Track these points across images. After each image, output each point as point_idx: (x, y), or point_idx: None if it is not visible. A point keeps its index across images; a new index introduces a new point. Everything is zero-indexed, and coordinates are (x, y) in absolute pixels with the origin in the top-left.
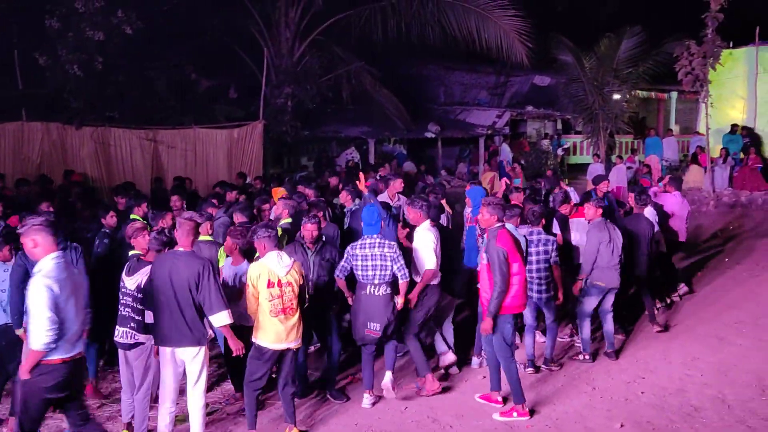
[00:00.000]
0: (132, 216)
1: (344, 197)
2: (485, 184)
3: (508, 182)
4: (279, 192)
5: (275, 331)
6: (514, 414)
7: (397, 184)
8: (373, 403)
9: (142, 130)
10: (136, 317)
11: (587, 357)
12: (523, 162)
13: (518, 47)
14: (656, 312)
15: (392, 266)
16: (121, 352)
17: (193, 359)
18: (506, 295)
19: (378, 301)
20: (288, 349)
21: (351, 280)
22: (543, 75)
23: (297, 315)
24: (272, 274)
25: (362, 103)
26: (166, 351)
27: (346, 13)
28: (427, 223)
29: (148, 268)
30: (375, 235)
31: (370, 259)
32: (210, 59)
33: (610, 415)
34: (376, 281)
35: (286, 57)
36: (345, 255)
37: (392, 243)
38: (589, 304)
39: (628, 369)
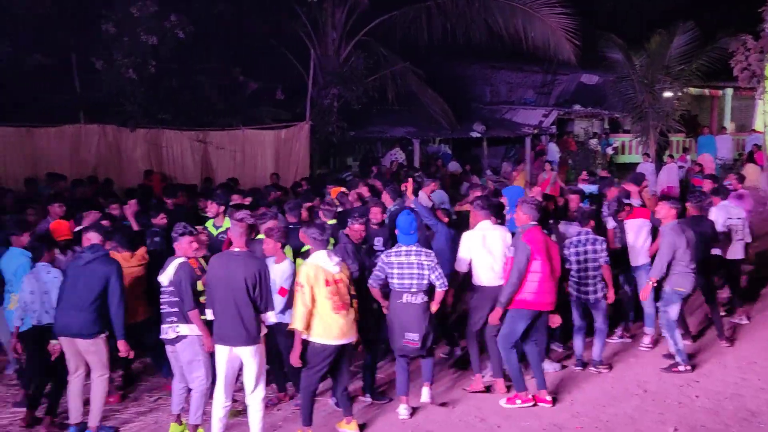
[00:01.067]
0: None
1: (385, 197)
2: (521, 185)
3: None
4: (336, 191)
5: (339, 327)
6: (518, 401)
7: (433, 186)
8: (411, 414)
9: (192, 132)
10: (173, 310)
11: (688, 367)
12: (570, 161)
13: (565, 45)
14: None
15: (429, 275)
16: (168, 347)
17: (250, 357)
18: (518, 290)
19: (415, 310)
20: (347, 345)
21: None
22: (591, 73)
23: (352, 309)
24: (327, 273)
25: (407, 103)
26: (223, 349)
27: (391, 13)
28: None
29: (176, 261)
30: (413, 245)
31: (407, 267)
32: (257, 62)
33: (663, 419)
34: (414, 289)
35: (332, 58)
36: (379, 263)
37: (429, 251)
38: (674, 311)
39: (681, 373)
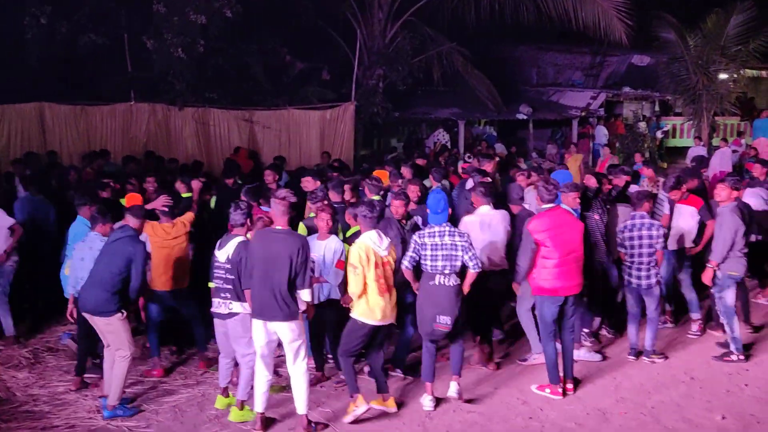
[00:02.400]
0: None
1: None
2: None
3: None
4: (382, 174)
5: (381, 309)
6: (547, 390)
7: (489, 166)
8: (435, 406)
9: (239, 111)
10: (227, 287)
11: (741, 357)
12: (618, 144)
13: (617, 25)
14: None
15: (463, 255)
16: (217, 321)
17: (288, 332)
18: (529, 273)
19: (448, 293)
20: (387, 325)
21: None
22: (642, 54)
23: (394, 291)
24: (377, 255)
25: (453, 84)
26: (259, 324)
27: None
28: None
29: (236, 240)
30: (444, 224)
31: (441, 248)
32: (303, 42)
33: (710, 407)
34: (447, 271)
35: (378, 38)
36: (412, 244)
37: (463, 231)
38: (731, 297)
39: (733, 361)
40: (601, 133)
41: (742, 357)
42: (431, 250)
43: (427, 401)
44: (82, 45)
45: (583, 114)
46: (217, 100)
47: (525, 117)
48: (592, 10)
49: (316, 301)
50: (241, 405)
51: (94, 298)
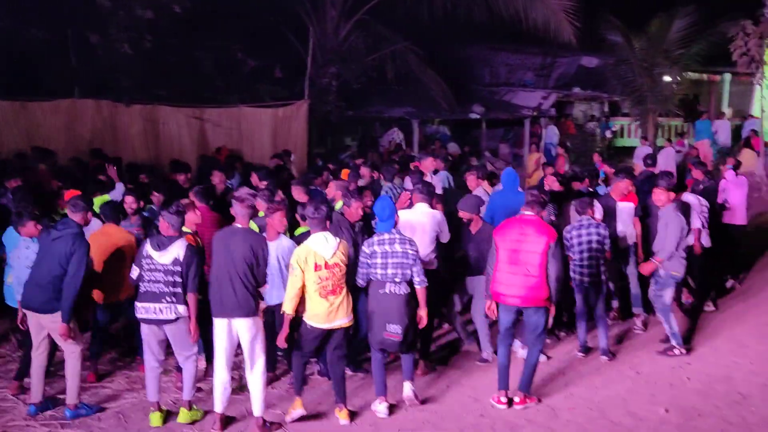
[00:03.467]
0: None
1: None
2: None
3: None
4: (346, 173)
5: (325, 312)
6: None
7: (428, 163)
8: (389, 412)
9: (189, 109)
10: (173, 290)
11: (683, 350)
12: (568, 144)
13: (566, 27)
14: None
15: (412, 267)
16: (152, 328)
17: (247, 330)
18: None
19: (398, 301)
20: (339, 328)
21: None
22: (591, 56)
23: (344, 292)
24: (318, 257)
25: (407, 83)
26: (222, 322)
27: None
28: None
29: (180, 242)
30: (393, 230)
31: (391, 256)
32: (256, 39)
33: (654, 400)
34: (397, 279)
35: (331, 37)
36: (361, 257)
37: (413, 240)
38: (669, 296)
39: (676, 356)
40: (552, 132)
41: (684, 351)
42: (381, 258)
43: (381, 407)
44: (24, 39)
45: (535, 114)
46: (167, 98)
47: (478, 116)
48: (542, 11)
49: (270, 303)
50: (189, 405)
51: (39, 296)
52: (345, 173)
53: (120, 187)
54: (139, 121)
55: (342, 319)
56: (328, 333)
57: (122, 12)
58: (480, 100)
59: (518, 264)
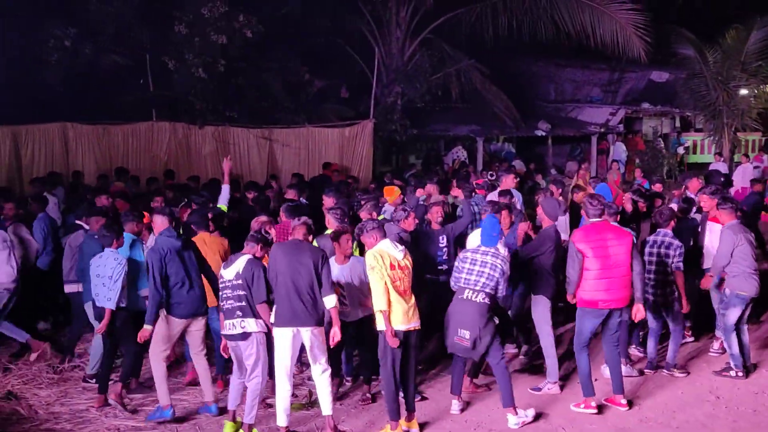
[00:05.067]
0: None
1: (457, 191)
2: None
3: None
4: (392, 190)
5: (402, 311)
6: (582, 406)
7: (509, 180)
8: (462, 409)
9: (258, 129)
10: (239, 304)
11: (740, 373)
12: (638, 161)
13: (635, 42)
14: None
15: (499, 280)
16: (230, 343)
17: (313, 338)
18: (576, 287)
19: (473, 308)
20: (413, 330)
21: None
22: (661, 70)
23: (413, 298)
24: (392, 258)
25: (471, 101)
26: (287, 333)
27: (456, 11)
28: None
29: (245, 257)
30: (494, 247)
31: (479, 264)
32: (322, 60)
33: (736, 427)
34: (477, 287)
35: (396, 56)
36: (456, 260)
37: (506, 257)
38: (734, 315)
39: (756, 380)
40: (620, 149)
41: (741, 373)
42: (470, 263)
43: (454, 405)
44: (105, 65)
45: (603, 130)
46: (237, 119)
47: (543, 133)
48: (610, 27)
49: (349, 319)
50: (249, 429)
51: None
52: (389, 191)
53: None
54: (211, 142)
55: (416, 322)
56: (406, 337)
57: (198, 38)
58: (545, 117)
59: (611, 267)
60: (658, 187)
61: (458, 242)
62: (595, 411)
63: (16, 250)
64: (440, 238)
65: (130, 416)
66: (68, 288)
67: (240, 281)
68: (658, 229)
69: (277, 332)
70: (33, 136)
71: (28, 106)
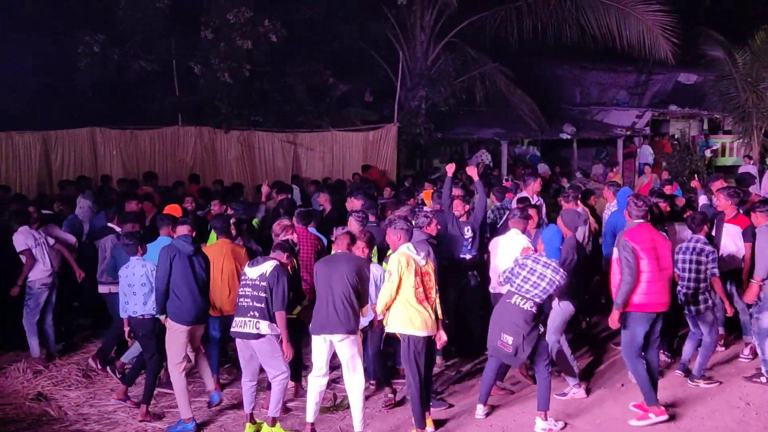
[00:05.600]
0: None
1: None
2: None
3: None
4: (429, 194)
5: (422, 319)
6: (651, 416)
7: (536, 185)
8: (486, 414)
9: (283, 133)
10: (257, 305)
11: None
12: (665, 164)
13: (662, 43)
14: None
15: (549, 290)
16: (240, 342)
17: (346, 347)
18: (633, 291)
19: (519, 314)
20: (431, 337)
21: None
22: (689, 72)
23: (434, 304)
24: (417, 264)
25: (495, 104)
26: (320, 340)
27: (480, 14)
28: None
29: (273, 262)
30: (555, 261)
31: (537, 276)
32: (346, 64)
33: None
34: (528, 295)
35: (420, 60)
36: (514, 265)
37: (565, 274)
38: (767, 319)
39: (763, 384)
40: (647, 152)
41: None
42: (527, 272)
43: (479, 410)
44: (133, 71)
45: (629, 133)
46: (262, 123)
47: (569, 136)
48: (636, 28)
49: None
50: (273, 421)
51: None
52: (426, 194)
53: (262, 208)
54: (236, 146)
55: (435, 330)
56: (428, 342)
57: (223, 43)
58: (571, 120)
59: (661, 269)
60: (670, 189)
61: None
62: (666, 418)
63: (51, 248)
64: (465, 228)
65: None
66: (101, 289)
67: (264, 283)
68: (691, 235)
69: (313, 338)
70: (62, 140)
71: (57, 111)
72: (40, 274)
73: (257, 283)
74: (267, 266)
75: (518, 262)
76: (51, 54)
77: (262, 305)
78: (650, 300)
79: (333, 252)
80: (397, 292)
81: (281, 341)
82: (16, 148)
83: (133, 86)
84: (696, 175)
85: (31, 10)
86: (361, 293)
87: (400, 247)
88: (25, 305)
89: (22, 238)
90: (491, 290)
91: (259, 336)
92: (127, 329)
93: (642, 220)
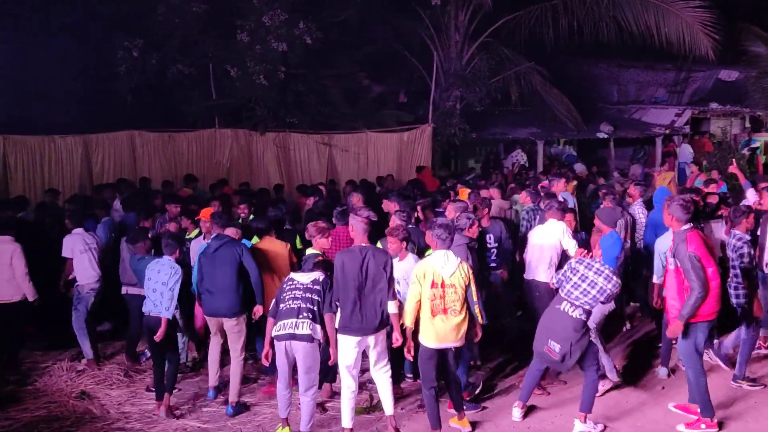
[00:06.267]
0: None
1: (524, 197)
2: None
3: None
4: (463, 193)
5: (434, 331)
6: (702, 426)
7: (561, 185)
8: (523, 416)
9: (318, 135)
10: (311, 307)
11: None
12: (705, 163)
13: (702, 40)
14: None
15: (599, 298)
16: (283, 344)
17: (379, 341)
18: (704, 301)
19: (567, 322)
20: (448, 349)
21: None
22: (730, 69)
23: (461, 316)
24: (436, 275)
25: (531, 104)
26: (350, 340)
27: (515, 13)
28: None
29: (319, 273)
30: (609, 269)
31: (587, 283)
32: (381, 66)
33: None
34: (577, 302)
35: (455, 60)
36: (567, 268)
37: (618, 282)
38: None
39: None
40: (686, 151)
41: None
42: (578, 278)
43: (516, 412)
44: (170, 75)
45: (668, 132)
46: (297, 125)
47: (606, 136)
48: (675, 25)
49: None
50: None
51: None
52: (462, 192)
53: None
54: (272, 147)
55: (455, 342)
56: (441, 354)
57: (259, 46)
58: (608, 119)
59: (718, 276)
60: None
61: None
62: (716, 430)
63: (97, 252)
64: (487, 237)
65: (194, 417)
66: (125, 290)
67: (318, 287)
68: (732, 231)
69: (341, 338)
70: (103, 144)
71: (98, 115)
72: (88, 279)
73: (310, 286)
74: (318, 274)
75: (571, 266)
76: (92, 60)
77: (315, 308)
78: (710, 309)
79: (355, 245)
80: (419, 302)
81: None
82: (59, 151)
83: (171, 89)
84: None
85: (72, 18)
86: (386, 289)
87: (431, 255)
88: (74, 309)
89: (69, 243)
90: (525, 277)
91: (312, 338)
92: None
93: (690, 225)
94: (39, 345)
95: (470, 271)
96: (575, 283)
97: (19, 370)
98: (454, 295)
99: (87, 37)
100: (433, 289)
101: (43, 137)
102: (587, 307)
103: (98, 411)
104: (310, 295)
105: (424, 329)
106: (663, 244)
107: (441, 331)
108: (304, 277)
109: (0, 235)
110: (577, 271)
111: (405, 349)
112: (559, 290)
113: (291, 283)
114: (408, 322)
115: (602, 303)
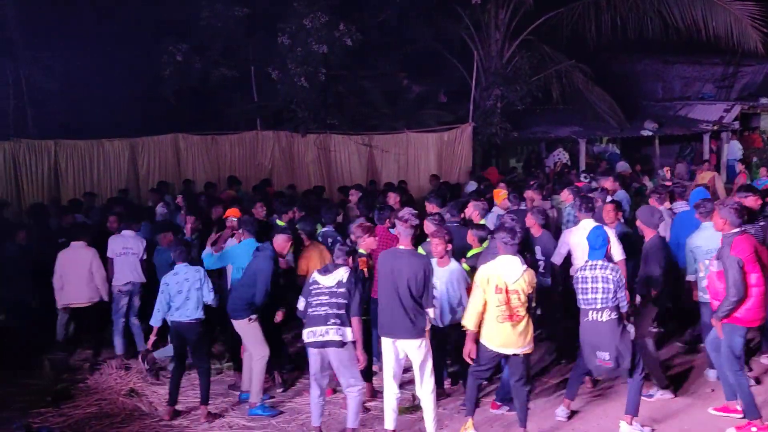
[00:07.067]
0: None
1: (565, 195)
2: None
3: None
4: (499, 193)
5: (500, 336)
6: (753, 429)
7: (608, 183)
8: (568, 417)
9: (358, 136)
10: (338, 311)
11: None
12: (755, 159)
13: (751, 34)
14: None
15: (616, 290)
16: (317, 351)
17: (415, 350)
18: (739, 306)
19: (602, 328)
20: (516, 355)
21: None
22: None
23: (525, 321)
24: (500, 281)
25: (573, 102)
26: (387, 341)
27: (556, 11)
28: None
29: (345, 268)
30: (601, 260)
31: (591, 281)
32: (420, 65)
33: None
34: (599, 306)
35: (495, 59)
36: (574, 284)
37: (616, 266)
38: None
39: None
40: (735, 148)
41: None
42: (582, 283)
43: (561, 411)
44: (213, 78)
45: (716, 128)
46: (338, 126)
47: (650, 133)
48: (723, 19)
49: (440, 324)
50: None
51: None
52: (496, 194)
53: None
54: (313, 149)
55: (519, 348)
56: (506, 358)
57: (300, 48)
58: (652, 116)
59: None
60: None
61: None
62: None
63: (137, 257)
64: (536, 248)
65: (238, 415)
66: None
67: (342, 290)
68: None
69: (382, 340)
70: (148, 147)
71: (143, 119)
72: (118, 281)
73: (335, 290)
74: (341, 273)
75: (576, 278)
76: (138, 65)
77: (343, 312)
78: (754, 315)
79: (397, 247)
80: (484, 307)
81: None
82: (106, 154)
83: (214, 93)
84: None
85: (120, 25)
86: (424, 294)
87: (496, 259)
88: (113, 307)
89: (111, 244)
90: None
91: (343, 344)
92: (153, 338)
93: (740, 228)
94: (90, 343)
95: (533, 279)
96: (583, 288)
97: (76, 368)
98: (518, 301)
99: (133, 43)
100: (497, 294)
101: (92, 141)
102: (609, 304)
103: (146, 408)
104: (335, 300)
105: (488, 332)
106: (696, 242)
107: (507, 337)
108: (327, 280)
109: (75, 241)
110: (578, 278)
111: (464, 352)
112: (578, 304)
113: (316, 287)
114: (470, 325)
115: (617, 293)
